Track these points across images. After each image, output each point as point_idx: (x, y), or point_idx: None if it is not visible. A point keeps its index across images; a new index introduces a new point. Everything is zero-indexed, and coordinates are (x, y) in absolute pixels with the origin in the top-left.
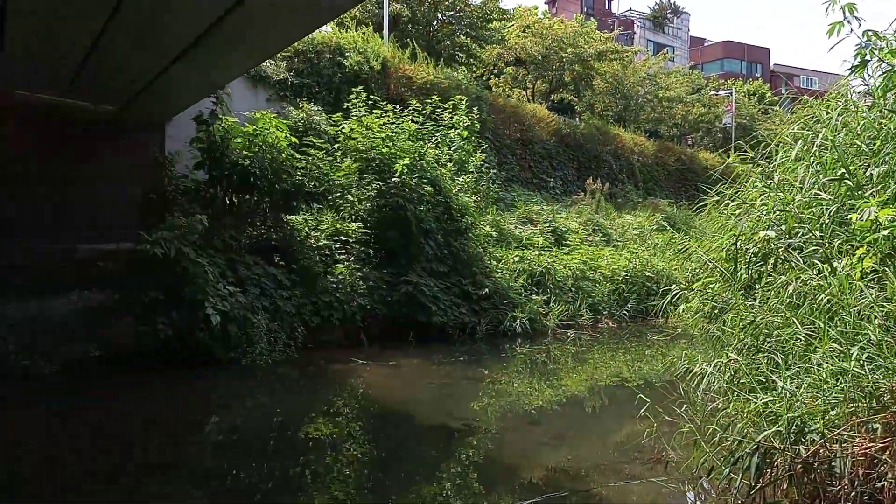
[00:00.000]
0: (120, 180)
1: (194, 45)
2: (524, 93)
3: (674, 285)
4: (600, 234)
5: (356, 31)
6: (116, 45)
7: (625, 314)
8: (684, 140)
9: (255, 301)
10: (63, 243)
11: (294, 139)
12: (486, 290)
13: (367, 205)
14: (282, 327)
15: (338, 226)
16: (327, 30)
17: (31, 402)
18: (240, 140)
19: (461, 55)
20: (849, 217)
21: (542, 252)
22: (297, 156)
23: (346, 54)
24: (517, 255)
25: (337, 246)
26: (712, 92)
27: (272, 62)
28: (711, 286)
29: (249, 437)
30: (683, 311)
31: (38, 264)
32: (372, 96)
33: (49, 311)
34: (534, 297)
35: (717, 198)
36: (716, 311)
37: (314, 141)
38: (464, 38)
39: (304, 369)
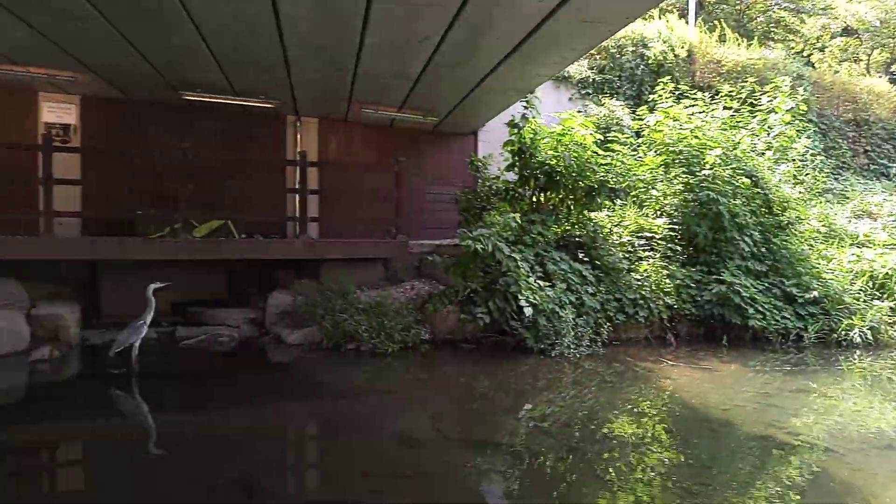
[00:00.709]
0: (442, 183)
1: (510, 55)
2: (856, 66)
3: None
4: None
5: (659, 19)
6: (444, 61)
7: None
8: None
9: (562, 295)
10: (399, 240)
11: (598, 136)
12: (814, 292)
13: (674, 199)
14: (587, 322)
15: (641, 222)
16: None
17: (381, 375)
18: (547, 141)
19: (777, 31)
20: None
21: (886, 251)
22: (601, 152)
23: (650, 45)
24: (852, 255)
25: (641, 242)
26: None
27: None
28: None
29: (557, 426)
30: None
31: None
32: (678, 86)
33: (389, 298)
34: (876, 302)
35: None
36: None
37: (617, 136)
38: (780, 12)
39: (609, 365)
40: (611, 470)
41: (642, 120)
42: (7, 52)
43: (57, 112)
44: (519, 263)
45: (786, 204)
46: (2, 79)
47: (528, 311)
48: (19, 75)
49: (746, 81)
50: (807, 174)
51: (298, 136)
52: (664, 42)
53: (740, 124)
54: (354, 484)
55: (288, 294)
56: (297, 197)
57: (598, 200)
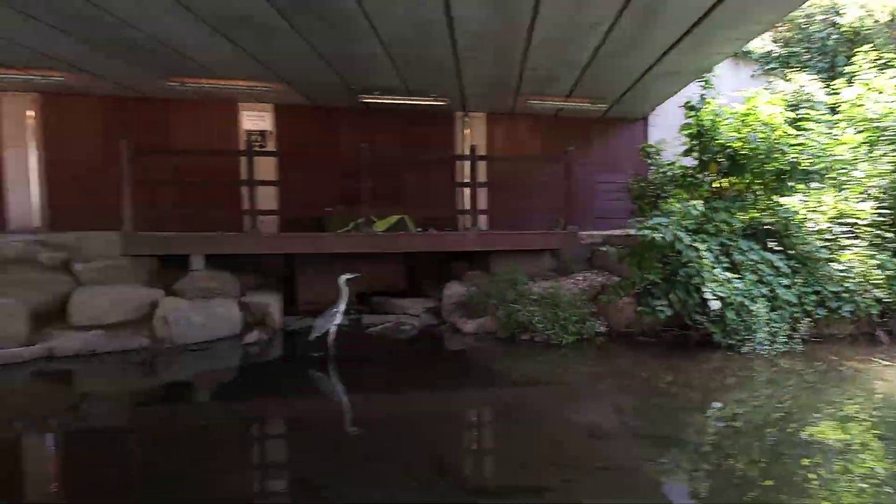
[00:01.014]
0: (611, 171)
1: (685, 35)
2: None
3: None
4: None
5: None
6: (613, 48)
7: None
8: None
9: (752, 288)
10: (569, 230)
11: (789, 114)
12: None
13: (881, 181)
14: (782, 317)
15: (842, 207)
16: None
17: (557, 366)
18: (729, 122)
19: None
20: None
21: None
22: (792, 132)
23: (842, 12)
24: None
25: (843, 229)
26: None
27: None
28: None
29: (750, 426)
30: None
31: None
32: (881, 54)
33: (562, 289)
34: None
35: None
36: None
37: (809, 114)
38: None
39: (809, 364)
40: (812, 476)
41: (838, 94)
42: (215, 68)
43: (254, 120)
44: (702, 253)
45: None
46: (210, 93)
47: (715, 304)
48: (224, 88)
49: None
50: None
51: (467, 131)
52: (861, 7)
53: None
54: (544, 472)
55: (462, 285)
56: (468, 190)
57: (790, 184)
